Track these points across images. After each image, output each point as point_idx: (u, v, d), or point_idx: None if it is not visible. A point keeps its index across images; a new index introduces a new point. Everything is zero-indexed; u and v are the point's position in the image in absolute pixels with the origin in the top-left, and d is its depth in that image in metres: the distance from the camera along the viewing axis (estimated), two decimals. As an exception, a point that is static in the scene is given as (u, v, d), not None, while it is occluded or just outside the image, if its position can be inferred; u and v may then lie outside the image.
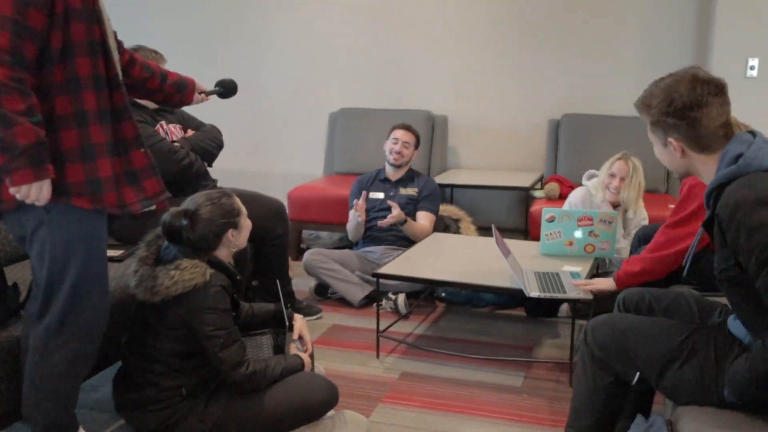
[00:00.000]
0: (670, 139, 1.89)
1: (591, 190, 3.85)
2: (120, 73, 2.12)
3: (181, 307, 2.22)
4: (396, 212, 3.98)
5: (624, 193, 3.68)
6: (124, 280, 2.66)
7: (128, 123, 2.12)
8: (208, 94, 2.70)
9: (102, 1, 2.05)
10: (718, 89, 1.85)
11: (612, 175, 3.71)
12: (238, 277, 2.38)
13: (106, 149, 2.04)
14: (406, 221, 4.02)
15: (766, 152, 1.78)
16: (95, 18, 2.01)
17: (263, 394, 2.34)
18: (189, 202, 2.35)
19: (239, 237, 2.41)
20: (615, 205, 3.74)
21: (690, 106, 1.83)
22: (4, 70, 1.82)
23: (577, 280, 3.02)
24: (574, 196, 3.94)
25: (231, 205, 2.38)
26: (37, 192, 1.90)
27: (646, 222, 3.74)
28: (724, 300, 2.29)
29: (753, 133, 1.87)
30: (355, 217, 4.13)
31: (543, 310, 3.79)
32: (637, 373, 1.99)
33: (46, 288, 2.06)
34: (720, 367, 1.85)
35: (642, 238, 3.11)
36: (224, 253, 2.39)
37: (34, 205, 1.94)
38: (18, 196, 1.90)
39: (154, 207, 2.19)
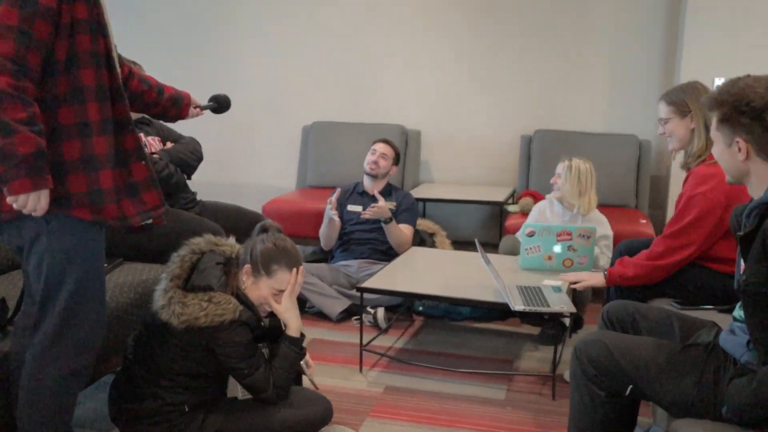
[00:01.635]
0: (737, 140, 1.85)
1: (550, 198, 3.98)
2: (122, 85, 2.11)
3: (204, 336, 2.21)
4: (381, 203, 4.02)
5: (561, 186, 3.83)
6: (109, 295, 2.64)
7: (130, 135, 2.11)
8: (203, 108, 2.70)
9: (107, 14, 2.04)
10: None
11: (557, 175, 3.87)
12: (261, 323, 2.36)
13: (108, 160, 2.03)
14: (392, 219, 4.06)
15: None
16: (101, 30, 2.00)
17: (261, 409, 2.33)
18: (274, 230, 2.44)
19: (248, 282, 2.37)
20: (562, 202, 3.88)
21: None
22: (7, 79, 1.81)
23: (559, 293, 3.08)
24: (535, 208, 4.05)
25: (273, 257, 2.37)
26: (35, 202, 1.87)
27: (603, 232, 3.81)
28: (705, 316, 2.35)
29: None
30: (328, 216, 4.13)
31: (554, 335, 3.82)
32: (630, 386, 2.03)
33: (42, 300, 2.03)
34: (717, 385, 1.88)
35: (623, 252, 3.17)
36: (254, 295, 2.37)
37: (33, 216, 1.91)
38: (15, 206, 1.87)
39: (151, 220, 2.17)
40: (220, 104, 2.78)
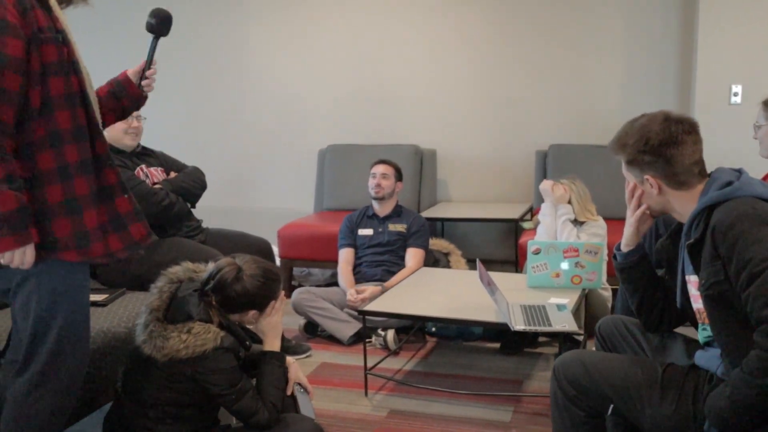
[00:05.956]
0: (647, 177, 1.95)
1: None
2: (100, 121, 2.11)
3: (188, 367, 2.20)
4: (369, 292, 3.91)
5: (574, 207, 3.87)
6: (107, 326, 2.65)
7: (110, 170, 2.09)
8: (148, 63, 2.43)
9: (78, 51, 2.04)
10: (691, 128, 1.93)
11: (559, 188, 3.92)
12: (247, 342, 2.35)
13: (90, 200, 2.02)
14: (384, 289, 3.93)
15: (754, 183, 1.83)
16: (72, 69, 1.99)
17: None
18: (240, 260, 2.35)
19: (257, 318, 2.39)
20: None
21: (665, 142, 1.90)
22: None
23: (563, 311, 3.01)
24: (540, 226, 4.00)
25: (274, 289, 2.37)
26: (21, 257, 1.88)
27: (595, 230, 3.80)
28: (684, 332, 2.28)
29: (738, 172, 1.91)
30: (344, 289, 4.08)
31: (517, 345, 3.79)
32: (611, 405, 1.99)
33: (30, 340, 2.02)
34: (696, 402, 1.84)
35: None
36: (237, 318, 2.37)
37: None
38: (1, 261, 1.88)
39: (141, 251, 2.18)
40: (159, 18, 2.41)
